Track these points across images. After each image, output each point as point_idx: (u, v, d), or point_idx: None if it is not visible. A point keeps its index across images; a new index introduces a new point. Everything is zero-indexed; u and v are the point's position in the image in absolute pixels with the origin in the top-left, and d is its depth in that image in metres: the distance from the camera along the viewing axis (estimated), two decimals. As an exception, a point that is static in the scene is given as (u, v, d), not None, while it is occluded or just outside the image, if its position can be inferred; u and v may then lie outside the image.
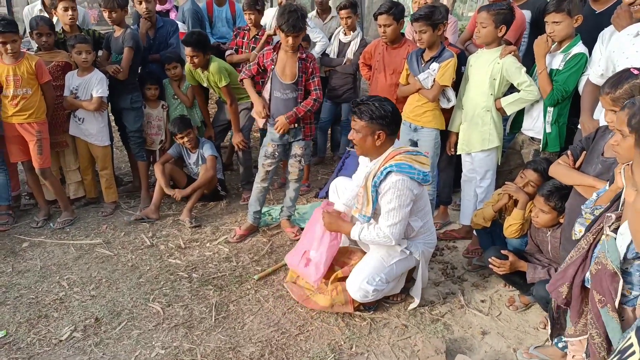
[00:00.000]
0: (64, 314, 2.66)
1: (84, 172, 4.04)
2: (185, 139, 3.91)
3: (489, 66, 3.12)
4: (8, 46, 3.35)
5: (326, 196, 4.02)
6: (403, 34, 3.65)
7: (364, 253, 2.87)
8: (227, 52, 4.37)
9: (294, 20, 3.04)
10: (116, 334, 2.51)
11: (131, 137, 4.04)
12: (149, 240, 3.49)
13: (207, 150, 3.95)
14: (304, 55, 3.27)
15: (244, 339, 2.51)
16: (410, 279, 2.89)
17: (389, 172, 2.47)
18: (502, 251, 2.68)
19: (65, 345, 2.42)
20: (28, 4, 7.24)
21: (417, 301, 2.77)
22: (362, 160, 2.88)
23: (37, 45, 3.82)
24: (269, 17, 4.84)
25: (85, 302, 2.77)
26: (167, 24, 4.22)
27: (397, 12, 3.40)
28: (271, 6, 5.95)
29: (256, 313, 2.71)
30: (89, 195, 4.09)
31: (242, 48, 4.36)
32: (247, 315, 2.69)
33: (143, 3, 3.96)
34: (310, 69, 3.29)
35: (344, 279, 2.79)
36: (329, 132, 5.14)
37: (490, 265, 2.70)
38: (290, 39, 3.13)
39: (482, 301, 2.87)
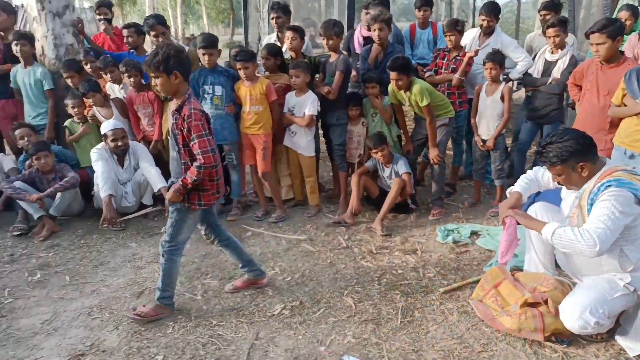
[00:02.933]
0: (276, 293, 3.18)
1: (293, 177, 4.67)
2: (379, 154, 4.23)
3: None
4: (242, 72, 4.12)
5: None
6: (622, 52, 3.35)
7: (558, 281, 2.75)
8: (427, 74, 4.59)
9: (149, 59, 2.64)
10: (316, 318, 2.90)
11: (335, 149, 4.54)
12: (345, 242, 3.88)
13: (402, 167, 4.21)
14: (180, 108, 2.67)
15: (426, 344, 2.65)
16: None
17: (607, 187, 2.35)
18: None
19: (277, 319, 2.90)
20: (258, 33, 8.63)
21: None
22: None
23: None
24: (469, 37, 4.91)
25: (292, 287, 3.26)
26: (396, 50, 4.48)
27: (613, 30, 3.15)
28: (472, 27, 5.96)
29: (440, 323, 2.82)
30: (297, 198, 4.72)
31: (441, 69, 4.53)
32: (431, 324, 2.82)
33: (377, 31, 4.31)
34: (186, 127, 2.64)
35: (533, 304, 2.71)
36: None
37: None
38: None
39: None
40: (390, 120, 4.50)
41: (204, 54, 4.10)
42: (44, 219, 4.21)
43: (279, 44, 4.92)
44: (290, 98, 4.39)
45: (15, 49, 4.61)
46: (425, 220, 4.27)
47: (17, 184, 4.21)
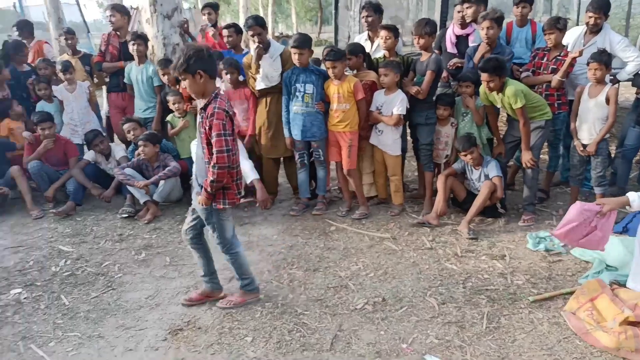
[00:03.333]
0: (359, 288, 3.24)
1: (377, 175, 4.69)
2: (469, 157, 4.13)
3: None
4: (330, 71, 4.20)
5: (622, 232, 3.65)
6: None
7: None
8: (524, 74, 4.40)
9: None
10: (398, 315, 2.92)
11: (422, 149, 4.50)
12: (429, 243, 3.86)
13: (493, 170, 4.08)
14: (206, 107, 2.71)
15: (513, 352, 2.57)
16: None
17: None
18: None
19: (359, 313, 2.96)
20: (348, 31, 8.73)
21: None
22: None
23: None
24: (574, 36, 4.63)
25: (375, 283, 3.30)
26: (505, 50, 4.34)
27: None
28: (577, 24, 5.60)
29: (528, 332, 2.73)
30: (380, 196, 4.74)
31: (540, 69, 4.32)
32: (519, 332, 2.73)
33: (485, 29, 4.19)
34: (208, 125, 2.67)
35: (635, 323, 2.54)
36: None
37: None
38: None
39: None
40: (481, 121, 4.38)
41: (294, 53, 4.25)
42: (148, 203, 4.62)
43: (369, 42, 4.97)
44: (379, 96, 4.41)
45: (132, 48, 5.09)
46: (515, 226, 4.11)
47: (128, 170, 4.65)
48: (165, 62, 5.03)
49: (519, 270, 3.41)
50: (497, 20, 4.18)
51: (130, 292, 3.33)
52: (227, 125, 2.68)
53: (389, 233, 4.07)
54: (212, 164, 2.69)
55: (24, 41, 5.92)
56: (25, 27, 6.29)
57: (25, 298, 3.30)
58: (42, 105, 5.37)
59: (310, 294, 3.20)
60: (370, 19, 4.93)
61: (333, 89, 4.31)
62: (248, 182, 4.48)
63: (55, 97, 5.41)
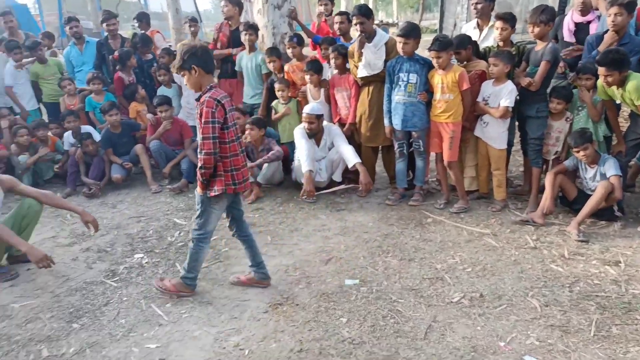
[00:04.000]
0: (455, 282, 3.20)
1: (480, 169, 4.53)
2: (582, 153, 3.85)
3: None
4: (435, 61, 4.12)
5: None
6: None
7: None
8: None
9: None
10: (496, 313, 2.85)
11: (530, 143, 4.27)
12: (533, 242, 3.68)
13: (611, 169, 3.77)
14: (200, 97, 2.81)
15: (625, 365, 2.41)
16: None
17: None
18: None
19: (455, 307, 2.93)
20: (454, 19, 8.42)
21: None
22: None
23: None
24: None
25: (472, 278, 3.24)
26: (634, 41, 3.99)
27: None
28: None
29: (643, 346, 2.53)
30: (482, 191, 4.58)
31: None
32: (632, 344, 2.54)
33: (613, 15, 3.88)
34: (199, 113, 2.79)
35: None
36: None
37: None
38: None
39: None
40: (598, 117, 4.06)
41: (399, 42, 4.22)
42: (252, 185, 4.89)
43: (477, 31, 4.79)
44: (487, 87, 4.25)
45: (244, 37, 5.38)
46: (633, 231, 3.77)
47: (235, 153, 4.96)
48: (271, 51, 5.25)
49: (636, 278, 3.14)
50: (628, 5, 3.80)
51: (235, 266, 3.59)
52: (216, 113, 2.77)
53: (489, 229, 3.94)
54: (199, 150, 2.82)
55: (150, 37, 6.52)
56: (144, 18, 6.94)
57: (146, 262, 3.70)
58: (162, 90, 5.89)
59: (405, 283, 3.22)
60: (480, 6, 4.74)
61: (437, 78, 4.23)
62: (350, 166, 4.58)
63: (174, 82, 5.90)
